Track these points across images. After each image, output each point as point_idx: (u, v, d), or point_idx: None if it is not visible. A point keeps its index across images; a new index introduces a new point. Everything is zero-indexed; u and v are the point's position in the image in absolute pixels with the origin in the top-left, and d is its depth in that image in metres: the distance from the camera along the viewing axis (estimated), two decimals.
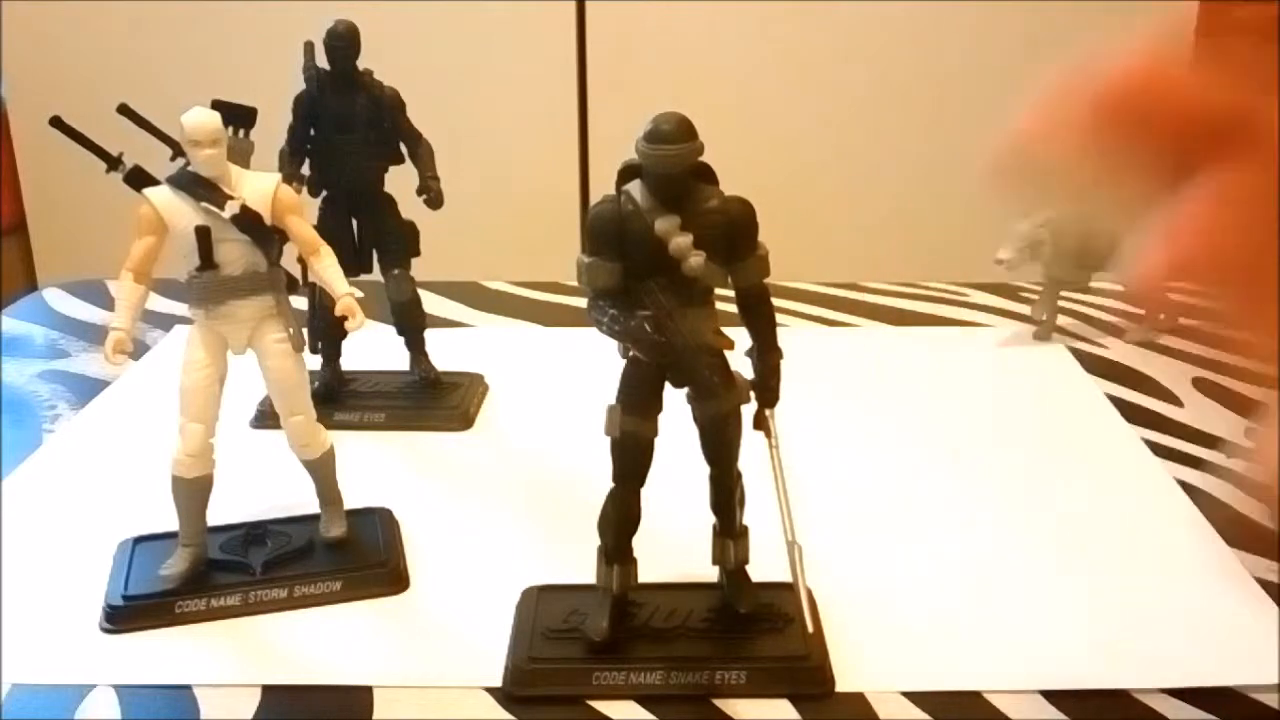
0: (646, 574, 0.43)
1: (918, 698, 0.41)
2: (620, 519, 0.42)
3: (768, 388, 0.41)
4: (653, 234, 0.38)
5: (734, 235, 0.39)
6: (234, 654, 0.44)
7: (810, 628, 0.39)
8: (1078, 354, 0.72)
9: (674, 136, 0.37)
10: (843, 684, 0.41)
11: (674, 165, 0.38)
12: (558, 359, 0.72)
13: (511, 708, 0.41)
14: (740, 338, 0.41)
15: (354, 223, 0.63)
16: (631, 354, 0.40)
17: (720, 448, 0.42)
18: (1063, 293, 0.75)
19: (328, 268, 0.47)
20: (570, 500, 0.54)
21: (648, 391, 0.40)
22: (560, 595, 0.45)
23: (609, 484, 0.42)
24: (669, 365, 0.40)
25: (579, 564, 0.44)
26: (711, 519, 0.43)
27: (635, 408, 0.40)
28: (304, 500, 0.50)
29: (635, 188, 0.39)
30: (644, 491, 0.42)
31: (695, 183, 0.39)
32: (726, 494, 0.43)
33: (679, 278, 0.38)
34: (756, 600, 0.44)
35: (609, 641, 0.42)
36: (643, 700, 0.41)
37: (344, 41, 0.61)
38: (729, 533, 0.43)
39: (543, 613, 0.44)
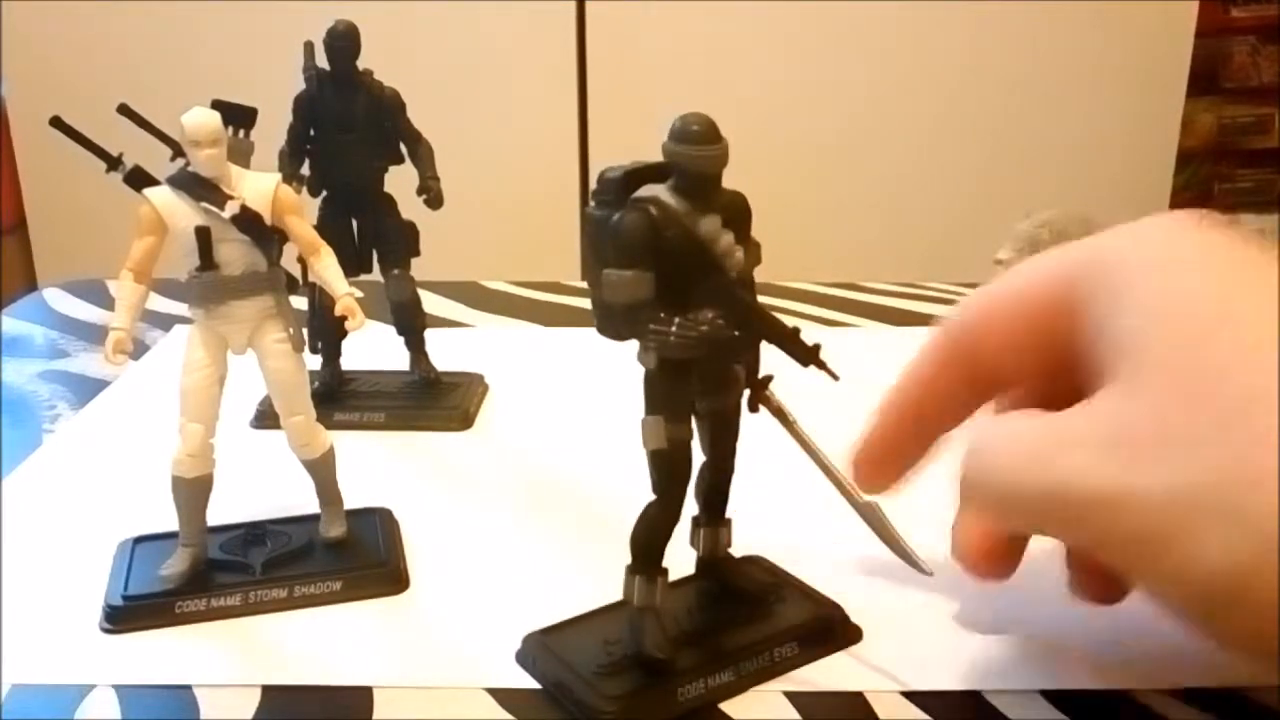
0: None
1: (918, 698, 0.41)
2: (668, 531, 0.40)
3: (756, 371, 0.41)
4: (692, 238, 0.37)
5: (740, 227, 0.39)
6: (234, 654, 0.44)
7: (927, 571, 0.41)
8: None
9: (712, 136, 0.37)
10: (843, 684, 0.41)
11: (715, 165, 0.37)
12: (558, 359, 0.72)
13: None
14: None
15: (354, 223, 0.64)
16: (660, 360, 0.39)
17: (733, 437, 0.42)
18: None
19: (328, 268, 0.47)
20: (571, 500, 0.54)
21: (685, 396, 0.40)
22: (568, 634, 0.42)
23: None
24: (724, 360, 0.40)
25: (580, 563, 0.44)
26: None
27: (679, 415, 0.39)
28: (304, 500, 0.50)
29: (661, 192, 0.38)
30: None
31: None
32: (727, 483, 0.43)
33: (714, 276, 0.38)
34: (754, 579, 0.44)
35: (672, 656, 0.40)
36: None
37: (344, 41, 0.61)
38: (721, 522, 0.44)
39: (572, 656, 0.41)
